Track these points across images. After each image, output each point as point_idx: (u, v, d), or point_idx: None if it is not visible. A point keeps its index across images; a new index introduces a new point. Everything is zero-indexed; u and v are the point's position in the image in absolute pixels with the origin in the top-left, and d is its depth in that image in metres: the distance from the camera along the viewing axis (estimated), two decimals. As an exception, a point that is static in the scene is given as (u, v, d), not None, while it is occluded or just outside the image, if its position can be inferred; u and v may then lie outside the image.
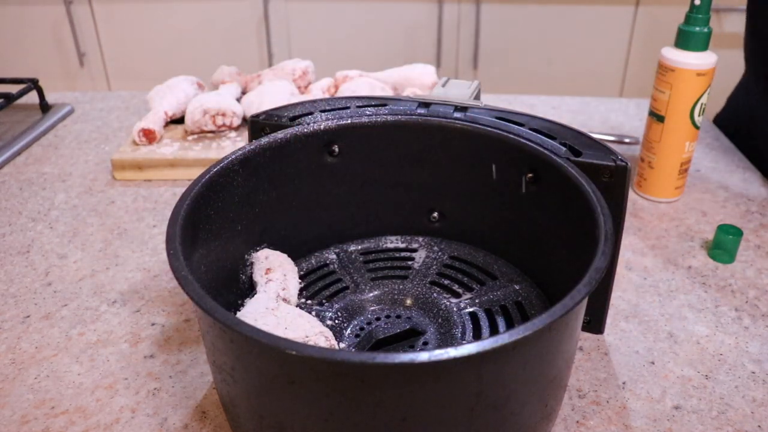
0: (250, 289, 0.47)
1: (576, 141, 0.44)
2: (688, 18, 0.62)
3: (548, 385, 0.35)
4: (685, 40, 0.62)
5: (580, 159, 0.43)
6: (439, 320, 0.46)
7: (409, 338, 0.44)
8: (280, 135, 0.46)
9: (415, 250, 0.53)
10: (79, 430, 0.42)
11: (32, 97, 0.91)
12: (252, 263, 0.47)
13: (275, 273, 0.45)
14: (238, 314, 0.42)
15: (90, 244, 0.62)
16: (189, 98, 0.81)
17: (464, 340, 0.44)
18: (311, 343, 0.39)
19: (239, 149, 0.45)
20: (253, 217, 0.46)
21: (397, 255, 0.53)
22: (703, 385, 0.45)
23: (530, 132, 0.46)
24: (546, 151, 0.44)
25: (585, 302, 0.34)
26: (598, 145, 0.44)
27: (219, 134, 0.78)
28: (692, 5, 0.61)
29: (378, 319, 0.46)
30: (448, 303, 0.47)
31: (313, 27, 1.78)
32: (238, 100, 0.83)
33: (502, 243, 0.51)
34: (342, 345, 0.44)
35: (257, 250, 0.48)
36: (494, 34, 1.76)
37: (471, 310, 0.46)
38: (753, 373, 0.46)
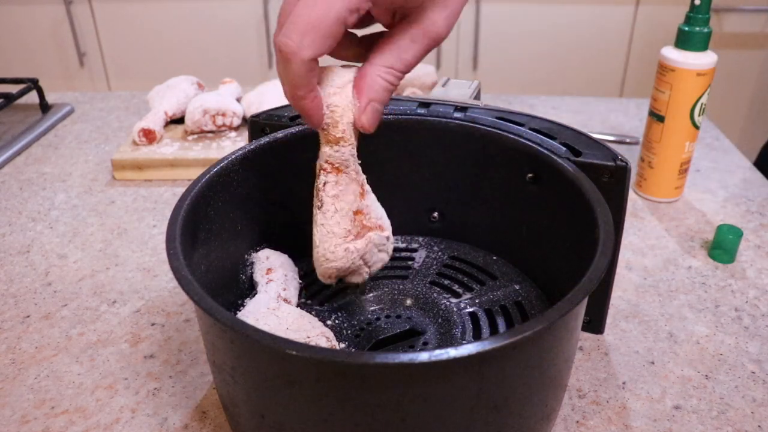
0: (250, 289, 0.47)
1: (576, 141, 0.44)
2: (688, 18, 0.62)
3: (548, 385, 0.35)
4: (685, 40, 0.62)
5: (580, 159, 0.43)
6: (439, 320, 0.46)
7: (409, 338, 0.44)
8: (280, 135, 0.46)
9: (415, 250, 0.53)
10: (79, 430, 0.42)
11: (32, 97, 0.91)
12: (252, 263, 0.47)
13: (276, 273, 0.45)
14: (239, 314, 0.42)
15: (90, 244, 0.62)
16: (189, 98, 0.81)
17: (464, 340, 0.44)
18: (312, 343, 0.39)
19: (239, 149, 0.45)
20: (253, 217, 0.46)
21: (397, 255, 0.53)
22: (703, 385, 0.45)
23: (530, 132, 0.46)
24: (546, 151, 0.44)
25: (585, 302, 0.34)
26: (598, 145, 0.44)
27: (219, 134, 0.78)
28: (692, 5, 0.61)
29: (378, 319, 0.46)
30: (448, 303, 0.47)
31: (313, 27, 1.78)
32: (239, 100, 0.83)
33: (502, 243, 0.51)
34: (342, 345, 0.44)
35: (257, 250, 0.48)
36: (494, 34, 1.76)
37: (471, 310, 0.46)
38: (753, 373, 0.46)
